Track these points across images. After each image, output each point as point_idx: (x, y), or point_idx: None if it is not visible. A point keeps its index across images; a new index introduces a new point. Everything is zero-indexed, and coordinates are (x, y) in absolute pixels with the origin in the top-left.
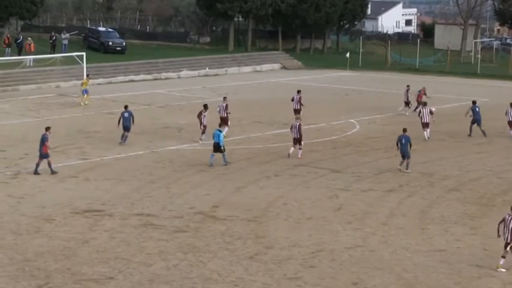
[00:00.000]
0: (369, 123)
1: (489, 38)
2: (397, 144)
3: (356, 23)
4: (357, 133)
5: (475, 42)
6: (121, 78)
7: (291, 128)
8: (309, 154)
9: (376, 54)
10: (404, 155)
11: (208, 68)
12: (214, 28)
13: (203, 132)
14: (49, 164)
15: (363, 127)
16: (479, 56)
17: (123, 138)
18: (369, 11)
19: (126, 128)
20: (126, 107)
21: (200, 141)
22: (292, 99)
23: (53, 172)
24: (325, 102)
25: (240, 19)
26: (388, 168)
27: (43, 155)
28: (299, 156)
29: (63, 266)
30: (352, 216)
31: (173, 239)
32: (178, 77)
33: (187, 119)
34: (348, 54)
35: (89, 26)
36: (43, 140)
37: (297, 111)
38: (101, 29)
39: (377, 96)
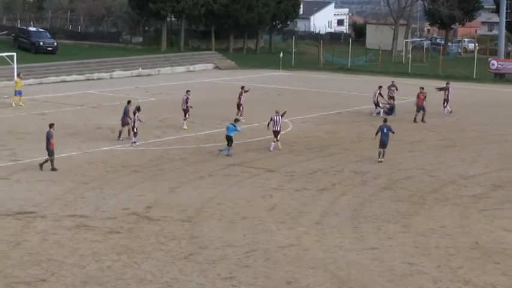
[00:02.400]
0: (302, 122)
1: (419, 38)
2: (377, 133)
3: (288, 23)
4: (290, 133)
5: (406, 42)
6: (53, 78)
7: (270, 121)
8: (242, 154)
9: (309, 54)
10: (384, 144)
11: (141, 68)
12: (146, 28)
13: (134, 135)
14: (51, 162)
15: (296, 127)
16: (410, 55)
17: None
18: (301, 11)
19: (122, 122)
20: (128, 102)
21: (133, 145)
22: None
23: (53, 169)
24: (259, 102)
25: (173, 19)
26: (321, 167)
27: (50, 152)
28: (277, 147)
29: None
30: (286, 216)
31: (107, 240)
32: (111, 77)
33: (120, 120)
34: (281, 54)
35: (19, 25)
36: (48, 137)
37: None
38: (32, 28)
39: (310, 96)
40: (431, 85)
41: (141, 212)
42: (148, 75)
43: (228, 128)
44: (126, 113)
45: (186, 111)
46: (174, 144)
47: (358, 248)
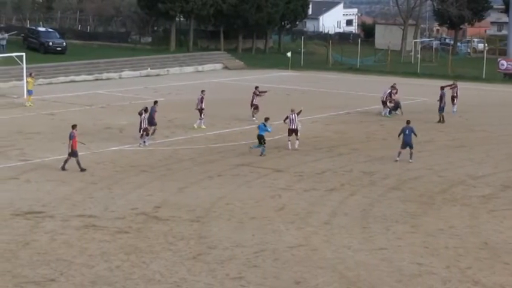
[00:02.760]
0: (311, 122)
1: (428, 38)
2: (400, 135)
3: (297, 23)
4: (299, 132)
5: (415, 42)
6: (62, 78)
7: (286, 118)
8: (251, 154)
9: (318, 54)
10: (408, 145)
11: (150, 68)
12: (155, 28)
13: (146, 135)
14: (78, 163)
15: (305, 127)
16: (419, 55)
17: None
18: (310, 11)
19: (150, 122)
20: (155, 102)
21: (140, 145)
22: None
23: (82, 170)
24: (267, 102)
25: (182, 19)
26: (330, 167)
27: (73, 153)
28: (293, 147)
29: (4, 269)
30: (294, 216)
31: (115, 240)
32: (120, 77)
33: (128, 120)
34: (289, 54)
35: (28, 26)
36: (70, 138)
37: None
38: (41, 29)
39: (319, 96)
40: (439, 85)
41: (149, 212)
42: (157, 75)
43: (259, 127)
44: (152, 113)
45: (201, 111)
46: (183, 144)
47: (367, 248)
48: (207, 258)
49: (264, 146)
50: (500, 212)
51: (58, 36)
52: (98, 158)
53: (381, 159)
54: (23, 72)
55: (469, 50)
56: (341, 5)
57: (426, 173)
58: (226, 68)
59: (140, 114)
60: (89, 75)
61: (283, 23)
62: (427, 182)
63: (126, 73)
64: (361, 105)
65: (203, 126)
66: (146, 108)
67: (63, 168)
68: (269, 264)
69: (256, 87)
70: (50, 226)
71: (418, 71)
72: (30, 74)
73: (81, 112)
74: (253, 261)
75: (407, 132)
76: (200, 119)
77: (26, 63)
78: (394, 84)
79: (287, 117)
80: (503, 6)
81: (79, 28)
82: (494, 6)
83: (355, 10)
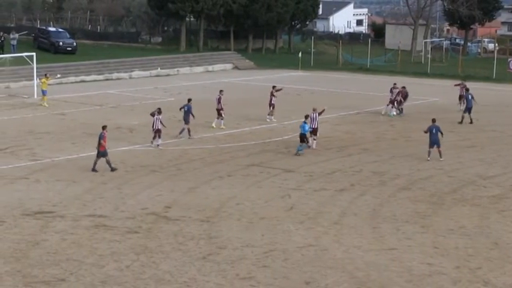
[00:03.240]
0: (321, 122)
1: (439, 38)
2: (427, 132)
3: (307, 23)
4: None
5: (425, 42)
6: (72, 78)
7: (307, 118)
8: (261, 154)
9: (328, 54)
10: (435, 144)
11: (160, 68)
12: (165, 28)
13: (159, 137)
14: (108, 162)
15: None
16: (429, 55)
17: (181, 131)
18: (320, 11)
19: (185, 121)
20: (189, 100)
21: (153, 146)
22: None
23: (112, 169)
24: (277, 102)
25: (192, 19)
26: (340, 167)
27: (100, 153)
28: (313, 146)
29: (14, 269)
30: (304, 216)
31: (125, 240)
32: (130, 77)
33: (139, 120)
34: (299, 54)
35: (38, 26)
36: (99, 138)
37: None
38: (51, 29)
39: (329, 96)
40: (449, 85)
41: (159, 212)
42: (167, 75)
43: (302, 126)
44: (189, 111)
45: (218, 111)
46: (193, 144)
47: (377, 249)
48: (217, 258)
49: (306, 145)
50: (510, 212)
51: (68, 36)
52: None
53: (391, 160)
54: (33, 72)
55: (479, 50)
56: (351, 5)
57: (436, 173)
58: (236, 68)
59: (152, 115)
60: (99, 75)
61: (293, 23)
62: (437, 182)
63: (136, 73)
64: (371, 106)
65: (222, 126)
66: (159, 109)
67: (112, 169)
68: (279, 264)
69: (274, 87)
70: (60, 226)
71: (428, 71)
72: (45, 75)
73: (91, 112)
74: (263, 261)
75: (434, 131)
76: (219, 118)
77: (36, 63)
78: (395, 84)
79: (308, 117)
80: None
81: (89, 28)
82: (505, 6)
83: (365, 10)
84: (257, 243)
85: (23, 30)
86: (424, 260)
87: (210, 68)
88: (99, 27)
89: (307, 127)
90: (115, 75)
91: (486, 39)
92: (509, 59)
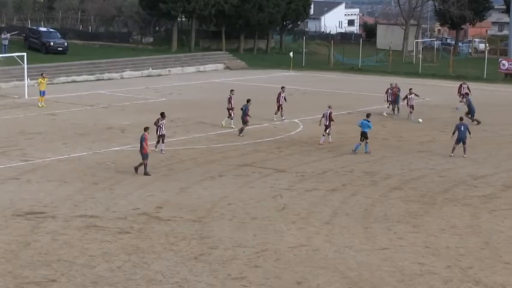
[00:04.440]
0: (313, 122)
1: (430, 38)
2: (454, 132)
3: (299, 23)
4: (301, 133)
5: (417, 42)
6: (63, 78)
7: (322, 117)
8: (253, 154)
9: (319, 54)
10: (462, 141)
11: (152, 69)
12: (157, 28)
13: (162, 142)
14: (145, 166)
15: (307, 127)
16: (420, 55)
17: (240, 130)
18: (311, 11)
19: (242, 120)
20: (248, 100)
21: (157, 150)
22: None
23: (146, 174)
24: (269, 102)
25: (183, 19)
26: (332, 167)
27: (144, 156)
28: (321, 142)
29: (4, 269)
30: (296, 216)
31: (117, 240)
32: (121, 78)
33: (130, 120)
34: (291, 54)
35: (29, 26)
36: (141, 141)
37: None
38: (42, 29)
39: (320, 96)
40: (440, 85)
41: (151, 212)
42: (159, 75)
43: (362, 124)
44: (245, 112)
45: (230, 110)
46: (185, 144)
47: (369, 248)
48: (209, 258)
49: (367, 142)
50: (501, 211)
51: (59, 36)
52: (99, 158)
53: (382, 159)
54: (24, 72)
55: (470, 50)
56: (343, 5)
57: (428, 173)
58: (228, 68)
59: (156, 123)
60: (91, 75)
61: (284, 23)
62: (428, 182)
63: (128, 73)
64: (362, 106)
65: (232, 126)
66: (163, 113)
67: (146, 173)
68: (271, 264)
69: (282, 87)
70: (51, 226)
71: (420, 71)
72: (42, 74)
73: (82, 112)
74: (254, 261)
75: (462, 128)
76: (231, 118)
77: (27, 64)
78: (391, 84)
79: (323, 115)
80: (504, 7)
81: (80, 28)
82: (496, 7)
83: (356, 10)
84: (249, 244)
85: (14, 30)
86: (416, 260)
87: (201, 68)
88: (90, 27)
89: (371, 126)
90: (106, 75)
91: (477, 39)
92: (499, 59)
